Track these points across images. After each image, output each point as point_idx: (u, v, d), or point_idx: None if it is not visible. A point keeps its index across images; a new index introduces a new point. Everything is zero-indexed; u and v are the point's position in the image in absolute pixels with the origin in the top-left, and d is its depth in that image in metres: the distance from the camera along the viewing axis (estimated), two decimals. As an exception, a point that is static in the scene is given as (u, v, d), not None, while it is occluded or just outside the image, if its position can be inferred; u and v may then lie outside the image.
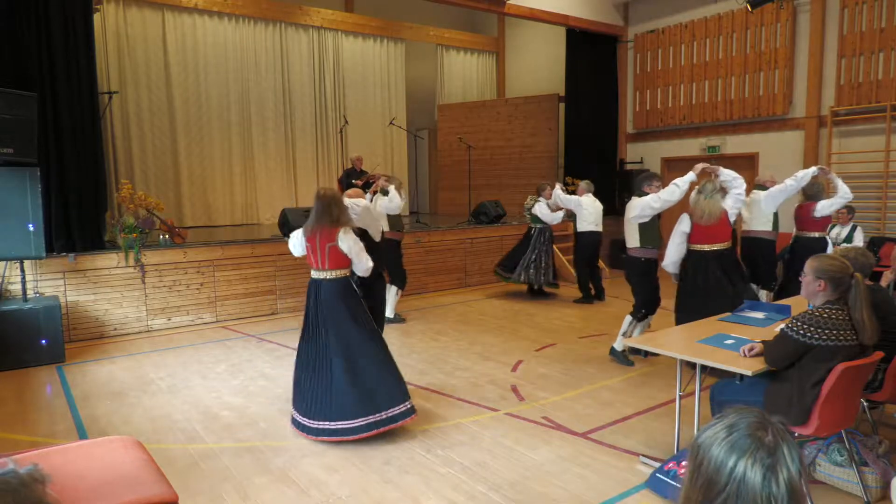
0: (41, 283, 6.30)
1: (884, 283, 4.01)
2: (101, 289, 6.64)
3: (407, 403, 3.95)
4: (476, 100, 13.83)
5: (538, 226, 8.42)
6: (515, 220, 10.34)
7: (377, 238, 4.72)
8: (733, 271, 5.04)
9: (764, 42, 9.58)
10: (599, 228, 8.17)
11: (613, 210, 11.81)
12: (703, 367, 3.28)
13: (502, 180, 12.51)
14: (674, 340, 3.64)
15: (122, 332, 6.75)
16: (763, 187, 6.43)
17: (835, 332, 2.86)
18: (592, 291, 8.41)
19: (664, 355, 3.61)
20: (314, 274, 4.12)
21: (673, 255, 5.09)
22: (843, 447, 3.24)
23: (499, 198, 10.81)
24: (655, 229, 5.39)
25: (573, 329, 6.91)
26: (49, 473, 1.05)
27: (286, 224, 8.11)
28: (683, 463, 3.18)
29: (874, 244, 7.72)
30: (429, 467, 3.57)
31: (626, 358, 5.55)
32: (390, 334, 6.12)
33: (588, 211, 8.07)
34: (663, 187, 5.20)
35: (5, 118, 5.42)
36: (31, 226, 5.64)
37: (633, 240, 5.36)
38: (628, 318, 5.57)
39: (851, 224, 6.93)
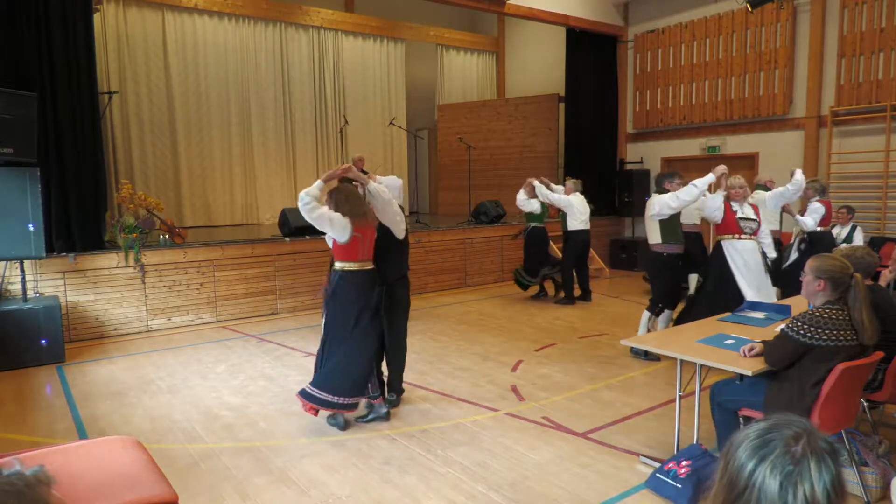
0: (41, 283, 6.30)
1: (883, 282, 4.01)
2: (101, 289, 6.64)
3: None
4: (476, 100, 13.83)
5: (535, 224, 8.41)
6: (515, 219, 10.34)
7: (400, 236, 4.45)
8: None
9: (764, 42, 9.58)
10: (588, 227, 8.20)
11: (613, 210, 11.85)
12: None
13: (502, 180, 12.50)
14: (674, 340, 3.64)
15: (122, 332, 6.75)
16: (765, 188, 6.45)
17: (835, 332, 2.86)
18: (578, 292, 8.38)
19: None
20: (358, 266, 4.07)
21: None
22: (843, 447, 3.23)
23: (499, 198, 10.80)
24: (676, 225, 5.54)
25: (573, 329, 6.91)
26: (54, 475, 1.05)
27: (286, 224, 8.11)
28: (684, 463, 3.18)
29: (874, 244, 7.72)
30: (429, 467, 3.57)
31: (648, 354, 5.54)
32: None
33: (578, 209, 8.08)
34: (684, 185, 5.30)
35: (5, 118, 5.42)
36: (31, 226, 5.64)
37: (654, 236, 5.50)
38: (645, 313, 5.68)
39: (851, 224, 6.93)
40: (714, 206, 5.19)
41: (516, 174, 11.71)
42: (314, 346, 6.19)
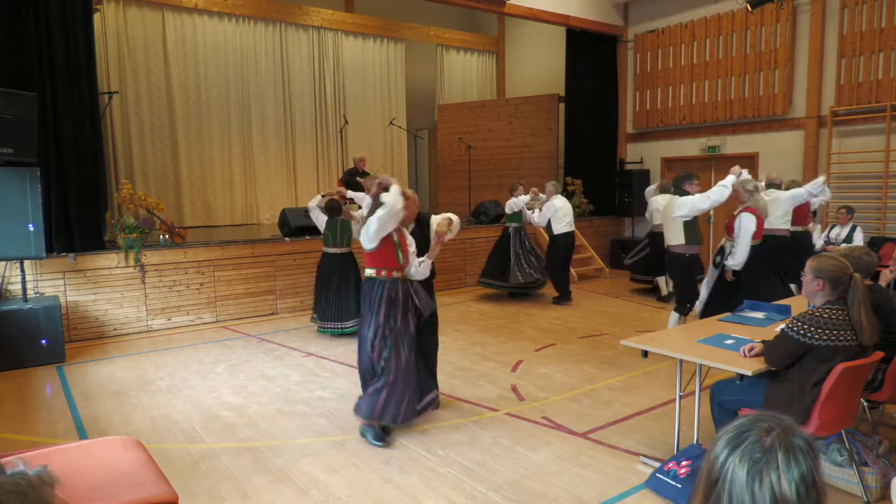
0: (41, 283, 6.31)
1: (883, 282, 4.01)
2: (101, 289, 6.64)
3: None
4: (476, 100, 13.82)
5: (514, 225, 8.39)
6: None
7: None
8: (779, 265, 5.48)
9: (764, 42, 9.58)
10: (573, 228, 8.20)
11: (613, 210, 11.84)
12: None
13: (502, 180, 12.46)
14: (674, 340, 3.64)
15: (122, 332, 6.75)
16: (777, 186, 6.45)
17: (835, 332, 2.86)
18: (556, 294, 8.36)
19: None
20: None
21: (746, 255, 5.13)
22: (843, 447, 3.24)
23: (499, 198, 10.78)
24: (697, 226, 5.60)
25: (573, 329, 6.91)
26: (58, 476, 1.05)
27: (286, 224, 8.12)
28: (683, 463, 3.18)
29: (874, 244, 7.72)
30: (429, 467, 3.57)
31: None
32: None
33: (563, 212, 8.10)
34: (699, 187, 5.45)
35: (5, 118, 5.42)
36: (31, 226, 5.64)
37: (677, 237, 5.51)
38: (674, 314, 5.76)
39: (851, 224, 6.93)
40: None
41: (516, 174, 11.69)
42: (314, 346, 6.23)
